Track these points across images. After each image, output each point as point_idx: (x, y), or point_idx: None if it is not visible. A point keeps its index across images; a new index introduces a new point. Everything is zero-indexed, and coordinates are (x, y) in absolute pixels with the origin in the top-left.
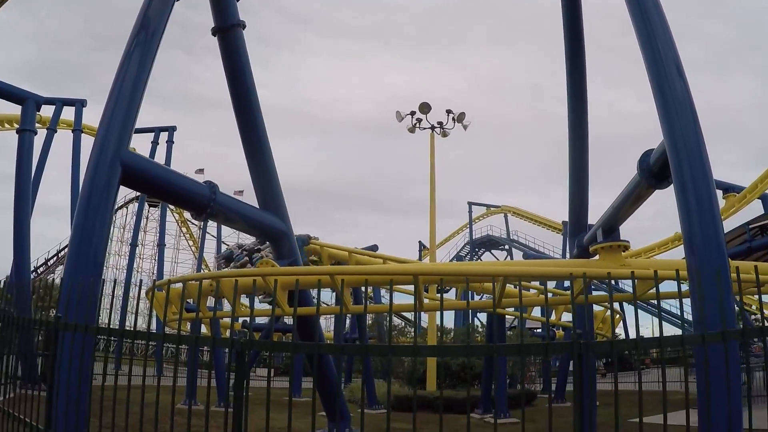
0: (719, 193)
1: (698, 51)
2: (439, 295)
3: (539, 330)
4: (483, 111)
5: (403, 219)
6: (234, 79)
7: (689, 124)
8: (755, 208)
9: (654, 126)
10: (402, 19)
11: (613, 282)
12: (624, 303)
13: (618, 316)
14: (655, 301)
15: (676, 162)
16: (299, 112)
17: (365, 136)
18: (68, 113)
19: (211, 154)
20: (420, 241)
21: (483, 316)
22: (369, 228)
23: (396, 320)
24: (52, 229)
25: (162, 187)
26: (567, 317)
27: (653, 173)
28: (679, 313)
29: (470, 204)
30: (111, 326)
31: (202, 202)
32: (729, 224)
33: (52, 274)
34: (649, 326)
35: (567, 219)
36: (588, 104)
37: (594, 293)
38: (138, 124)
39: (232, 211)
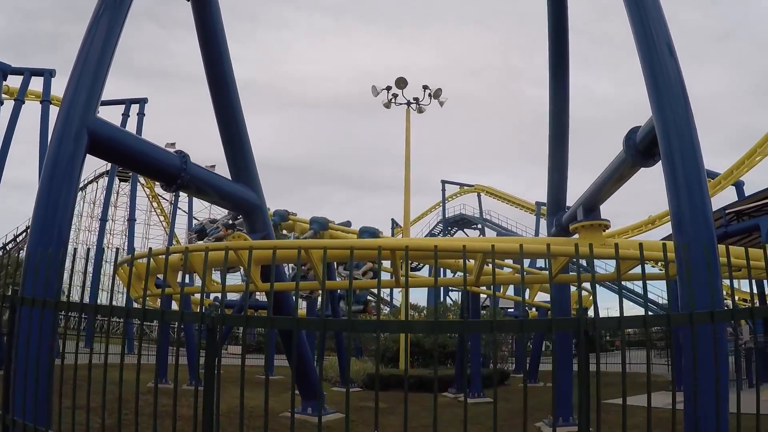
0: None
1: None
2: (412, 272)
3: (511, 310)
4: (457, 90)
5: (376, 196)
6: (207, 45)
7: (679, 100)
8: (729, 195)
9: (627, 109)
10: None
11: (586, 262)
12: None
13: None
14: (635, 282)
15: (665, 137)
16: (273, 87)
17: (339, 113)
18: (37, 84)
19: (183, 129)
20: (393, 219)
21: (454, 295)
22: (342, 204)
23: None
24: (22, 205)
25: (131, 157)
26: (541, 297)
27: (639, 150)
28: (645, 295)
29: (444, 182)
30: (82, 302)
31: (172, 172)
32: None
33: (21, 251)
34: (612, 307)
35: (540, 200)
36: (569, 84)
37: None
38: (108, 96)
39: (204, 183)
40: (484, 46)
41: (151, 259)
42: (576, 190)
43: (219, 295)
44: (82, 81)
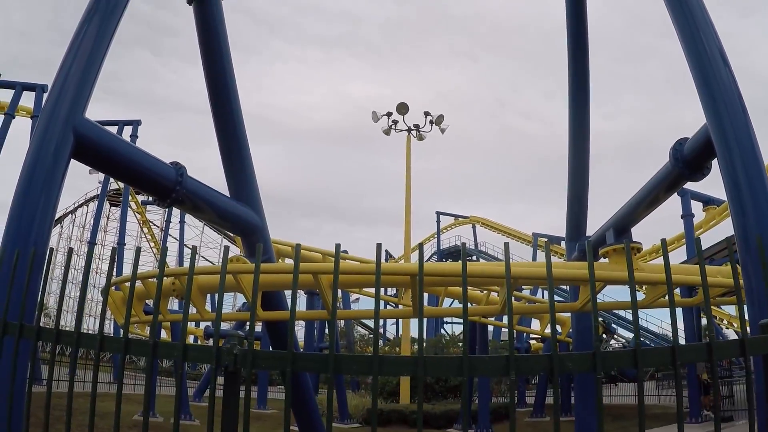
0: (699, 205)
1: (659, 70)
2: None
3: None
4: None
5: (367, 228)
6: (209, 53)
7: (734, 101)
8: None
9: (614, 144)
10: (368, 29)
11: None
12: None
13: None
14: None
15: (723, 142)
16: (265, 118)
17: (330, 145)
18: (28, 100)
19: (176, 157)
20: (386, 250)
21: (448, 327)
22: (332, 236)
23: (361, 330)
24: None
25: (120, 165)
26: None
27: (687, 162)
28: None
29: (438, 214)
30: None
31: (166, 185)
32: (712, 236)
33: None
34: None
35: (537, 231)
36: (590, 107)
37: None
38: (102, 118)
39: (201, 199)
40: (472, 79)
41: (141, 284)
42: (552, 221)
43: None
44: (72, 74)
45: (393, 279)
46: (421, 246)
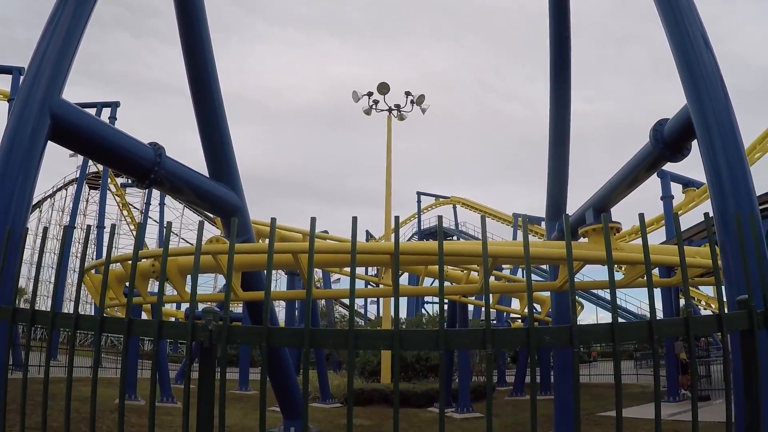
0: (678, 187)
1: (642, 56)
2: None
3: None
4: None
5: (349, 209)
6: (188, 34)
7: (716, 85)
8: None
9: (595, 126)
10: (350, 10)
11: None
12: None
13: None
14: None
15: (703, 123)
16: (246, 99)
17: (313, 126)
18: (4, 83)
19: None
20: (367, 230)
21: (429, 307)
22: (318, 217)
23: (342, 311)
24: None
25: (98, 146)
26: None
27: (667, 143)
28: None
29: (419, 194)
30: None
31: (145, 165)
32: (691, 218)
33: None
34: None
35: (517, 211)
36: (571, 86)
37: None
38: (80, 100)
39: (180, 180)
40: (454, 61)
41: (119, 265)
42: (533, 202)
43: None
44: (48, 56)
45: (372, 258)
46: (397, 219)
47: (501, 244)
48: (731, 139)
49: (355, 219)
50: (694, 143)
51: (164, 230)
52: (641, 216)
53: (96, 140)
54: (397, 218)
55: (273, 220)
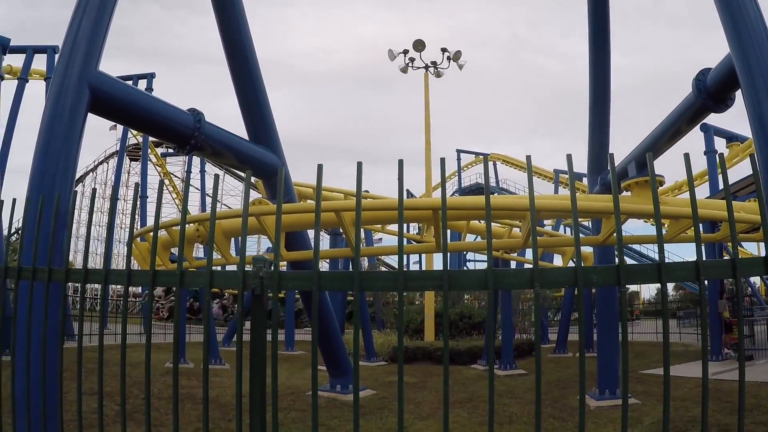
0: (722, 141)
1: (682, 6)
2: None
3: None
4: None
5: (387, 169)
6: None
7: (760, 32)
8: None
9: (633, 82)
10: None
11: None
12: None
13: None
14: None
15: (747, 71)
16: (281, 63)
17: (347, 86)
18: (40, 64)
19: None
20: (408, 190)
21: (471, 265)
22: (353, 178)
23: (383, 269)
24: None
25: (137, 115)
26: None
27: (710, 93)
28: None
29: (459, 152)
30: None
31: (185, 132)
32: (735, 173)
33: None
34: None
35: (558, 168)
36: (610, 41)
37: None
38: (115, 74)
39: (221, 144)
40: (490, 17)
41: (166, 233)
42: (574, 157)
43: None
44: (82, 30)
45: (415, 214)
46: (442, 162)
47: (545, 197)
48: None
49: (359, 164)
50: (738, 94)
51: (208, 200)
52: (686, 156)
53: (135, 109)
54: (442, 161)
55: (320, 166)
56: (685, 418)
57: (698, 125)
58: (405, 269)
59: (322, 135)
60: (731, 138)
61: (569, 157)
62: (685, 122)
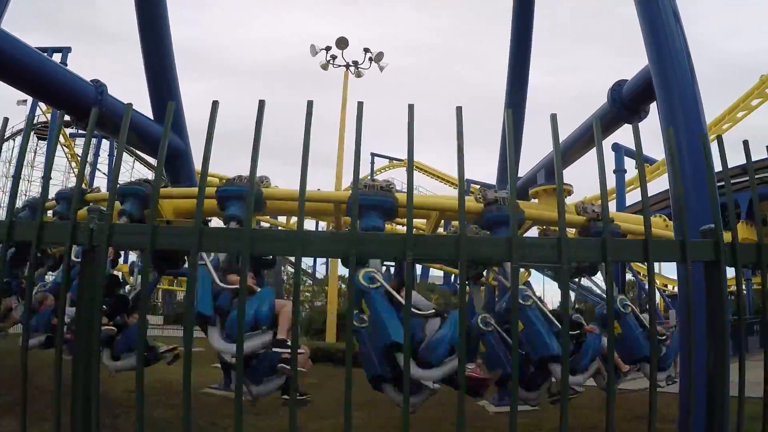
0: (632, 162)
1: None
2: None
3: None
4: (392, 65)
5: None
6: None
7: (678, 45)
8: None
9: (552, 98)
10: None
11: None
12: None
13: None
14: None
15: (662, 81)
16: (200, 54)
17: (269, 82)
18: None
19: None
20: (319, 189)
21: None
22: (271, 176)
23: (291, 270)
24: None
25: (34, 78)
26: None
27: (625, 103)
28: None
29: (373, 155)
30: None
31: (85, 102)
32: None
33: None
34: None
35: (471, 178)
36: (530, 56)
37: None
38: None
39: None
40: (418, 24)
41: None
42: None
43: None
44: None
45: (319, 206)
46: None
47: (452, 198)
48: (691, 102)
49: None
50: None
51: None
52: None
53: (30, 72)
54: (357, 161)
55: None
56: (586, 425)
57: (611, 144)
58: (311, 278)
59: (239, 129)
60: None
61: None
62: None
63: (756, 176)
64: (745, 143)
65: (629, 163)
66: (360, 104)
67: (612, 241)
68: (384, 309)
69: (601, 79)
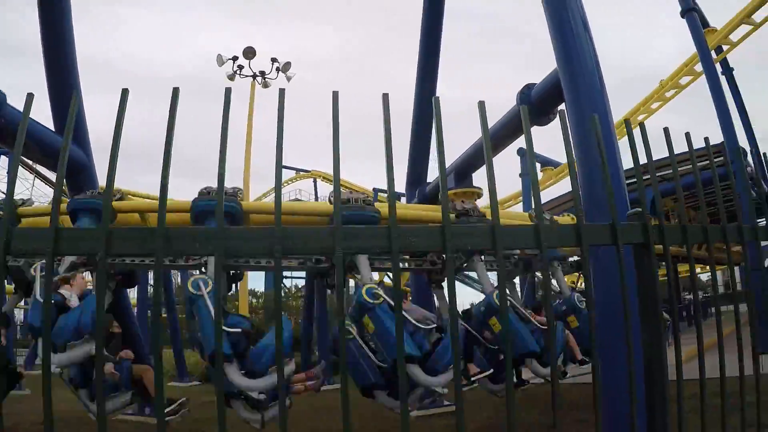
0: (537, 166)
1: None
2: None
3: None
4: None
5: (210, 182)
6: None
7: (586, 50)
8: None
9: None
10: None
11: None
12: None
13: None
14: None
15: (572, 87)
16: (105, 64)
17: (181, 95)
18: None
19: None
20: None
21: (290, 282)
22: (174, 191)
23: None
24: None
25: None
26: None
27: (534, 105)
28: None
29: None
30: None
31: None
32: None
33: None
34: None
35: (377, 186)
36: (439, 62)
37: None
38: None
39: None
40: (328, 38)
41: None
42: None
43: None
44: None
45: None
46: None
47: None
48: (599, 102)
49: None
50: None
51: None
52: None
53: None
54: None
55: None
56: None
57: (516, 149)
58: None
59: (147, 145)
60: (546, 163)
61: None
62: (507, 135)
63: (658, 174)
64: (666, 130)
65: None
66: (282, 91)
67: (545, 227)
68: (390, 323)
69: (506, 94)
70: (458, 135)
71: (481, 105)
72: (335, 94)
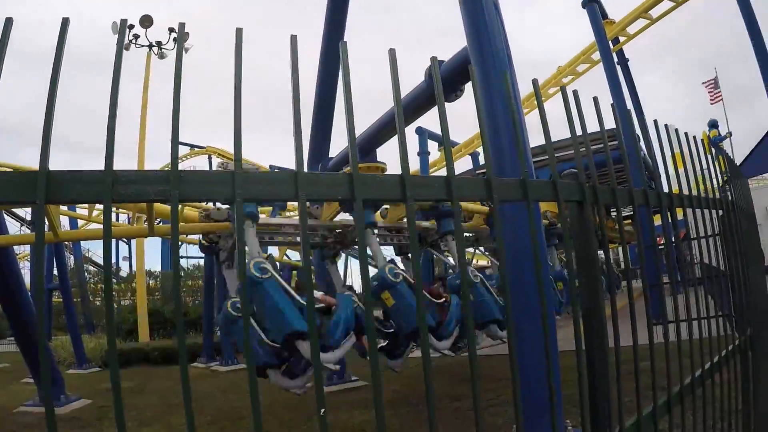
0: (434, 145)
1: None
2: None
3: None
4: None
5: (101, 159)
6: None
7: (496, 27)
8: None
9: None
10: None
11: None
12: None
13: None
14: None
15: (480, 63)
16: None
17: (70, 67)
18: None
19: None
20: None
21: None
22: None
23: (92, 269)
24: None
25: None
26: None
27: (443, 82)
28: None
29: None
30: None
31: None
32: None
33: None
34: None
35: (274, 164)
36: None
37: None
38: None
39: None
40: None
41: None
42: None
43: None
44: None
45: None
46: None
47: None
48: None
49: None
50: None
51: None
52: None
53: None
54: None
55: None
56: (419, 392)
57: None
58: (114, 277)
59: (33, 120)
60: (442, 142)
61: None
62: (414, 110)
63: (557, 154)
64: (575, 92)
65: (432, 146)
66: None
67: (495, 180)
68: (410, 297)
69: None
70: (357, 118)
71: (392, 52)
72: (293, 38)
